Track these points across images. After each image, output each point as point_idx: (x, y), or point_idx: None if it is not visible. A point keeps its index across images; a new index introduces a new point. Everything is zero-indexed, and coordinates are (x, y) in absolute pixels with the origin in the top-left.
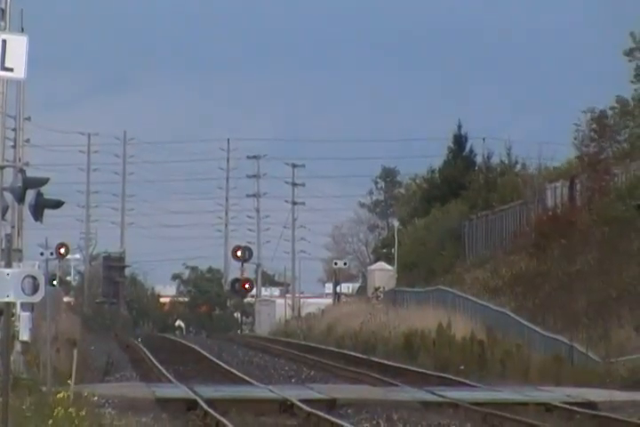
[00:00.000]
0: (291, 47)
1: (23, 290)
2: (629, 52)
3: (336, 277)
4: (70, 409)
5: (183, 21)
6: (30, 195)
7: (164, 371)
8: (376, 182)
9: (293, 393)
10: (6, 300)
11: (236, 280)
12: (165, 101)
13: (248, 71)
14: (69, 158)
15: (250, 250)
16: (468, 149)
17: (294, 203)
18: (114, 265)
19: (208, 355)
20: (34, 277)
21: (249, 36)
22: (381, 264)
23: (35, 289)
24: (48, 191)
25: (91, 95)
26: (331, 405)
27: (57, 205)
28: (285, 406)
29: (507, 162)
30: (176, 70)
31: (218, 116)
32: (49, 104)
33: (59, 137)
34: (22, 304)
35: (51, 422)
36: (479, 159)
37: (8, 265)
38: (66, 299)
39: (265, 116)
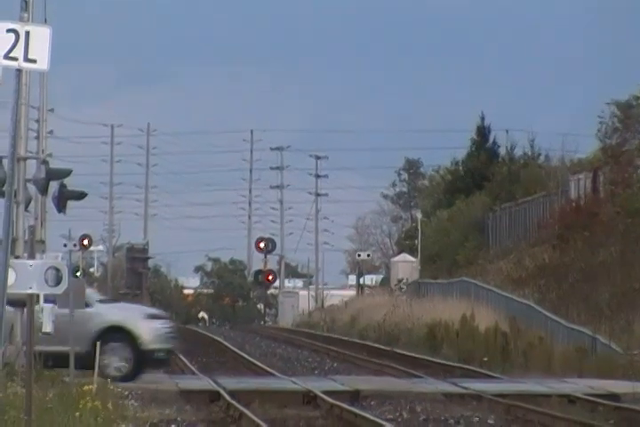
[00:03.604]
0: (317, 39)
1: (46, 281)
2: None
3: (359, 268)
4: (96, 402)
5: (210, 11)
6: (53, 186)
7: (188, 363)
8: (399, 174)
9: (316, 385)
10: (29, 291)
11: (259, 272)
12: (191, 93)
13: (272, 63)
14: (93, 150)
15: (273, 241)
16: (491, 140)
17: (317, 194)
18: (137, 256)
19: (231, 347)
20: (57, 269)
21: (275, 27)
22: (405, 256)
23: (58, 280)
24: (71, 183)
25: (118, 88)
26: (354, 396)
27: (80, 196)
28: (308, 398)
29: (530, 154)
30: (202, 62)
31: (242, 108)
32: (77, 97)
33: (83, 128)
34: (45, 296)
35: (77, 414)
36: (502, 151)
37: (31, 256)
38: (89, 290)
39: (289, 108)
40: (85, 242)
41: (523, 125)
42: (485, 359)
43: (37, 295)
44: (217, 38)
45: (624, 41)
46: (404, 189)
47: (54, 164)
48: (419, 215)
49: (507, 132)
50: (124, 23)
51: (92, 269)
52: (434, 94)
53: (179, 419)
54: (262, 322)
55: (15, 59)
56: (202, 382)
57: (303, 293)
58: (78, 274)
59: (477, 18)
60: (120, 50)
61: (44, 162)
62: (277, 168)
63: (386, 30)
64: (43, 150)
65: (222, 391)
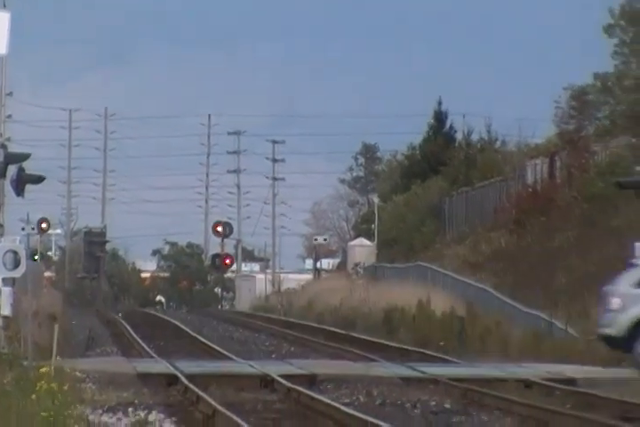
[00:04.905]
0: (279, 25)
1: (4, 265)
2: (608, 29)
3: (316, 252)
4: (52, 384)
5: None
6: (12, 170)
7: (145, 346)
8: (356, 158)
9: (274, 369)
10: None
11: (216, 256)
12: (150, 78)
13: (233, 48)
14: (51, 134)
15: (230, 226)
16: (448, 125)
17: (274, 179)
18: (95, 240)
19: (189, 330)
20: (15, 252)
21: (238, 12)
22: (361, 240)
23: (16, 264)
24: (30, 167)
25: (76, 72)
26: (311, 380)
27: (38, 180)
28: (266, 382)
29: (487, 138)
30: (161, 46)
31: (200, 92)
32: (36, 81)
33: (41, 113)
34: (3, 279)
35: (34, 396)
36: (459, 136)
37: None
38: (47, 274)
39: (248, 92)
40: (43, 226)
41: (480, 110)
42: (442, 344)
43: None
44: (178, 22)
45: (582, 26)
46: (361, 174)
47: (13, 148)
48: (375, 200)
49: (464, 116)
50: (88, 7)
51: (49, 253)
52: (392, 80)
53: (136, 402)
54: (219, 306)
55: None
56: (159, 366)
57: (260, 276)
58: (36, 257)
59: (435, 9)
60: (82, 34)
61: (3, 146)
62: (234, 152)
63: (347, 15)
64: (1, 134)
65: (180, 375)
